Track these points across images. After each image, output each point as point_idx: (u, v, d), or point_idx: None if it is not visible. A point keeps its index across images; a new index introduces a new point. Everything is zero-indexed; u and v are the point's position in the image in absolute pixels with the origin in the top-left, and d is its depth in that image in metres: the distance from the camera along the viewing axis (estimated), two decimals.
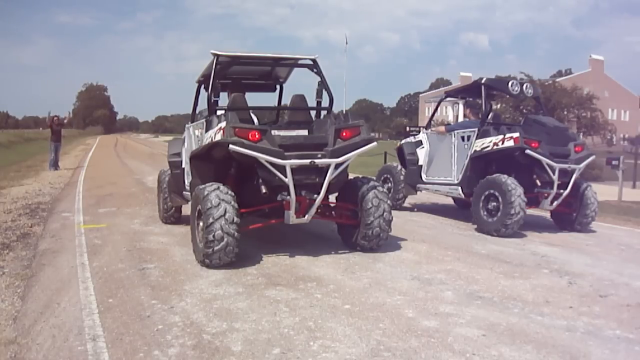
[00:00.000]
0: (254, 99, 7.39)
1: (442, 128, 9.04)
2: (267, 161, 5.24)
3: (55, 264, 5.61)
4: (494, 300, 4.45)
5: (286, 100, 7.01)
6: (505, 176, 7.28)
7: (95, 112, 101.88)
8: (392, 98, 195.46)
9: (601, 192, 13.50)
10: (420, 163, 9.17)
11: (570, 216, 7.83)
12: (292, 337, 3.58)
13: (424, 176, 9.14)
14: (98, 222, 7.89)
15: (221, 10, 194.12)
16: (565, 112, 19.34)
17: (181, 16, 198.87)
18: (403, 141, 10.23)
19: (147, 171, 17.16)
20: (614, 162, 12.41)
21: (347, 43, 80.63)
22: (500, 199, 7.15)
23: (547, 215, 8.39)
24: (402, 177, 9.44)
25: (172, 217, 7.62)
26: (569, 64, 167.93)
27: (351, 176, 6.40)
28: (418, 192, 9.38)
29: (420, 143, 9.41)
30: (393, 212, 6.20)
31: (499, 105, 21.28)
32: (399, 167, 9.71)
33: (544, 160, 7.25)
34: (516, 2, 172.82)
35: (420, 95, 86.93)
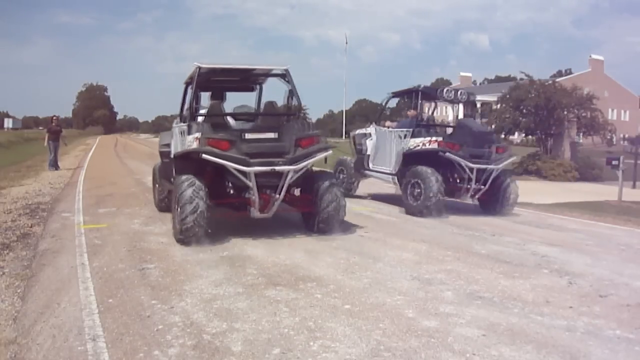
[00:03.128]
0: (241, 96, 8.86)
1: (388, 123, 10.55)
2: (233, 168, 6.23)
3: (55, 264, 5.61)
4: (494, 300, 4.45)
5: (278, 97, 7.80)
6: (426, 167, 8.68)
7: (95, 112, 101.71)
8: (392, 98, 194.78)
9: (601, 192, 13.55)
10: (368, 153, 10.54)
11: (494, 204, 9.20)
12: (292, 337, 3.58)
13: (370, 164, 10.48)
14: (98, 222, 7.88)
15: (222, 10, 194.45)
16: (565, 112, 19.24)
17: (181, 16, 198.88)
18: (356, 132, 11.71)
19: (147, 171, 17.14)
20: (614, 162, 12.40)
21: (347, 43, 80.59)
22: (422, 186, 8.60)
23: (547, 215, 8.40)
24: (352, 166, 10.93)
25: (164, 203, 8.17)
26: (569, 64, 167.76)
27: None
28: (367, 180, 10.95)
29: (369, 135, 10.73)
30: (349, 199, 7.51)
31: (499, 106, 21.22)
32: (349, 160, 11.28)
33: (461, 161, 8.70)
34: (516, 2, 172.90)
35: None
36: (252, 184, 6.30)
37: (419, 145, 9.11)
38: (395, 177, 9.56)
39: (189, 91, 7.34)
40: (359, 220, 8.23)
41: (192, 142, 6.44)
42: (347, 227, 7.42)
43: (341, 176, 11.07)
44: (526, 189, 14.46)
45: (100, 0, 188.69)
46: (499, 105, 21.41)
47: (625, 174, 12.45)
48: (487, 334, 3.67)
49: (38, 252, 6.13)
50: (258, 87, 8.62)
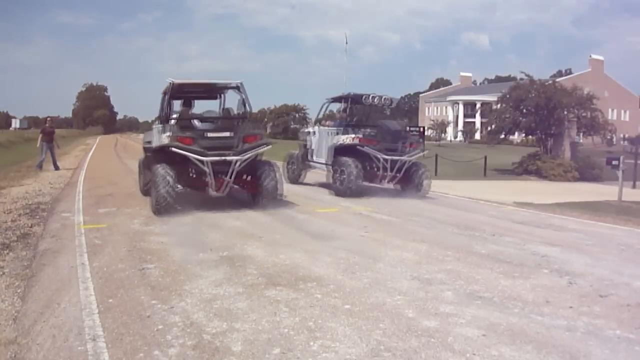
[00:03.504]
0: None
1: (328, 123, 13.05)
2: (194, 158, 8.31)
3: (55, 264, 5.60)
4: (494, 300, 4.45)
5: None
6: (348, 158, 10.99)
7: (95, 112, 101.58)
8: None
9: (601, 192, 13.56)
10: (311, 147, 12.92)
11: (411, 189, 11.46)
12: (292, 337, 3.58)
13: (313, 157, 12.88)
14: (98, 222, 7.88)
15: (222, 10, 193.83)
16: (566, 112, 19.24)
17: (182, 16, 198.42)
18: (302, 130, 14.78)
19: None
20: (614, 162, 12.41)
21: (347, 43, 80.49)
22: (345, 172, 10.85)
23: (547, 215, 8.39)
24: (300, 159, 13.43)
25: (147, 188, 9.77)
26: (569, 64, 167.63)
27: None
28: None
29: (312, 133, 13.07)
30: (298, 186, 11.50)
31: (499, 106, 21.23)
32: (297, 153, 13.66)
33: (377, 154, 11.00)
34: (516, 2, 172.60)
35: (420, 95, 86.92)
36: (208, 170, 8.40)
37: (345, 141, 11.39)
38: (330, 167, 11.69)
39: (165, 100, 9.39)
40: (359, 220, 8.24)
41: (165, 139, 8.50)
42: (341, 223, 7.41)
43: (292, 167, 13.67)
44: (526, 189, 14.51)
45: (100, 0, 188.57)
46: (499, 105, 21.41)
47: (625, 174, 12.46)
48: (487, 334, 3.67)
49: (38, 252, 6.13)
50: (220, 96, 10.54)
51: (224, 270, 5.24)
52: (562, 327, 3.84)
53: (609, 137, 24.90)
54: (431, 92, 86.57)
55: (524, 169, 19.33)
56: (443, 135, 53.84)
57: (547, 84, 20.25)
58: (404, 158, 11.14)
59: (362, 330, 3.71)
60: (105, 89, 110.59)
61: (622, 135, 44.20)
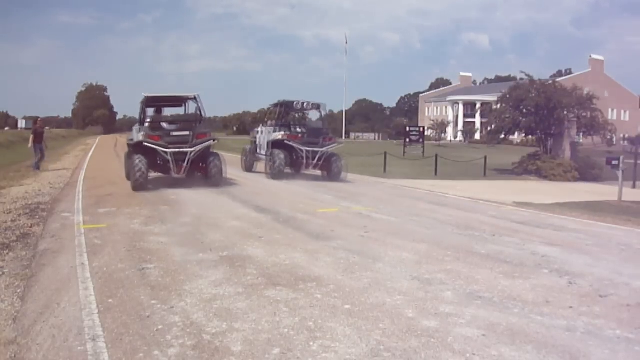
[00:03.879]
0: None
1: (269, 123, 16.29)
2: (160, 150, 11.63)
3: (55, 264, 5.61)
4: (494, 300, 4.45)
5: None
6: (276, 150, 14.54)
7: (95, 112, 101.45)
8: (392, 98, 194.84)
9: (601, 192, 13.56)
10: (258, 143, 16.56)
11: (330, 175, 14.82)
12: (292, 337, 3.58)
13: (259, 150, 16.46)
14: (98, 222, 7.88)
15: (222, 10, 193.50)
16: (565, 112, 19.21)
17: (181, 16, 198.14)
18: (253, 129, 18.52)
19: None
20: (614, 162, 12.41)
21: (347, 43, 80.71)
22: (275, 161, 14.35)
23: (547, 215, 8.38)
24: (251, 152, 17.32)
25: (127, 173, 12.70)
26: (569, 64, 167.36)
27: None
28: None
29: (260, 131, 16.66)
30: (250, 175, 15.46)
31: (499, 106, 21.21)
32: (249, 147, 17.55)
33: (297, 146, 14.42)
34: (517, 2, 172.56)
35: (420, 95, 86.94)
36: (170, 158, 11.74)
37: (277, 137, 14.85)
38: (268, 158, 15.07)
39: (141, 108, 12.73)
40: (358, 221, 8.24)
41: (140, 136, 11.90)
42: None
43: (245, 158, 17.54)
44: (526, 189, 14.51)
45: (100, 0, 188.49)
46: (499, 105, 21.39)
47: (625, 174, 12.46)
48: (487, 334, 3.67)
49: (38, 252, 6.13)
50: (184, 104, 14.07)
51: (223, 270, 5.24)
52: (562, 327, 3.84)
53: (609, 137, 24.86)
54: (431, 92, 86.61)
55: (524, 169, 19.31)
56: (443, 135, 53.88)
57: (547, 84, 20.22)
58: (321, 149, 14.59)
59: (362, 330, 3.71)
60: (105, 89, 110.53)
61: (622, 135, 44.21)
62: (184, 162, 11.82)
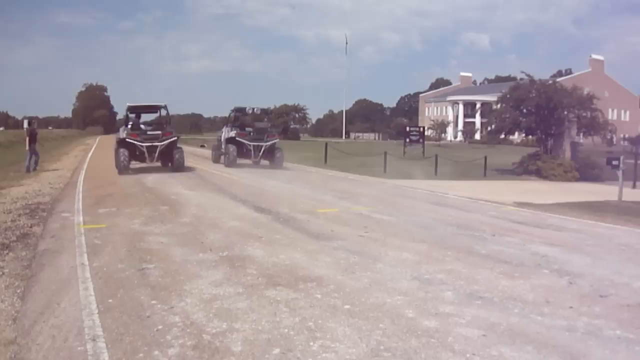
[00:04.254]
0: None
1: (229, 124, 20.27)
2: (137, 144, 16.02)
3: (55, 264, 5.60)
4: (494, 300, 4.44)
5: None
6: (230, 145, 18.64)
7: (95, 112, 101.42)
8: (392, 98, 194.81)
9: (601, 192, 13.55)
10: (221, 140, 20.30)
11: (272, 163, 18.94)
12: (292, 338, 3.58)
13: (222, 147, 20.02)
14: (98, 222, 7.88)
15: (222, 10, 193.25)
16: (566, 112, 19.20)
17: (181, 16, 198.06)
18: (218, 130, 23.52)
19: (147, 171, 17.15)
20: (614, 162, 12.40)
21: (347, 43, 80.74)
22: (228, 153, 18.59)
23: (547, 215, 8.39)
24: (216, 148, 21.38)
25: (115, 161, 16.48)
26: (570, 64, 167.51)
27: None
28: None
29: (223, 131, 20.40)
30: (214, 165, 19.60)
31: (499, 106, 21.21)
32: (216, 144, 21.76)
33: (245, 142, 18.52)
34: (517, 2, 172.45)
35: (421, 95, 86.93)
36: (145, 150, 16.03)
37: (230, 135, 19.01)
38: (224, 151, 19.50)
39: (126, 114, 17.62)
40: (358, 220, 8.24)
41: (124, 135, 16.14)
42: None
43: (213, 153, 21.70)
44: (526, 189, 14.50)
45: (100, 0, 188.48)
46: (499, 105, 21.39)
47: (625, 174, 12.46)
48: (487, 334, 3.67)
49: (38, 252, 6.13)
50: (157, 111, 18.74)
51: (223, 270, 5.24)
52: (562, 327, 3.83)
53: (609, 137, 24.87)
54: (431, 92, 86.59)
55: (524, 169, 19.31)
56: (443, 135, 53.83)
57: (547, 84, 20.21)
58: (264, 144, 18.77)
59: (362, 331, 3.71)
60: (105, 89, 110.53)
61: (622, 135, 44.18)
62: (155, 153, 16.38)
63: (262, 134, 19.00)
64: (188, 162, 18.07)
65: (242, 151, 18.71)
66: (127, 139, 16.06)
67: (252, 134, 18.90)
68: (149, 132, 16.63)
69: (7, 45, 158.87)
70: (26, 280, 5.08)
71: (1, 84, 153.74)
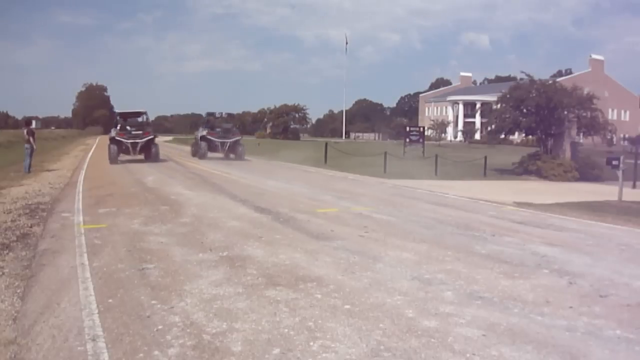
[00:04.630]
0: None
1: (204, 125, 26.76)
2: (124, 141, 21.45)
3: (55, 264, 5.60)
4: (494, 300, 4.44)
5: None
6: (202, 142, 24.43)
7: (95, 112, 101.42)
8: (392, 98, 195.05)
9: (601, 192, 13.56)
10: (197, 139, 25.30)
11: (235, 156, 24.09)
12: (292, 338, 3.58)
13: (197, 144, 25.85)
14: (98, 222, 7.88)
15: (222, 10, 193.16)
16: (566, 112, 19.19)
17: (181, 16, 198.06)
18: (196, 130, 28.81)
19: (146, 171, 17.17)
20: (614, 162, 12.40)
21: (347, 43, 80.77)
22: (200, 148, 24.36)
23: (547, 215, 8.39)
24: (194, 145, 26.31)
25: (108, 154, 21.08)
26: (569, 64, 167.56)
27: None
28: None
29: (198, 131, 26.19)
30: (192, 159, 24.40)
31: (499, 105, 21.20)
32: (194, 142, 26.79)
33: (213, 139, 24.12)
34: (517, 2, 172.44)
35: (420, 95, 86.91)
36: (130, 146, 21.27)
37: (202, 134, 24.38)
38: (197, 147, 24.75)
39: (115, 118, 24.43)
40: (358, 220, 8.24)
41: (114, 134, 21.79)
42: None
43: (192, 149, 26.32)
44: (526, 189, 14.50)
45: (100, 0, 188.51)
46: (499, 105, 21.38)
47: (625, 174, 12.46)
48: (487, 334, 3.67)
49: (38, 252, 6.13)
50: (141, 115, 23.74)
51: (223, 270, 5.24)
52: (562, 327, 3.83)
53: (609, 137, 24.86)
54: (431, 92, 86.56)
55: (524, 169, 19.30)
56: (443, 135, 53.81)
57: (547, 84, 20.20)
58: (228, 140, 23.85)
59: (362, 331, 3.71)
60: (105, 89, 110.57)
61: (622, 135, 44.18)
62: (137, 147, 21.40)
63: (228, 133, 24.50)
64: (175, 157, 25.01)
65: (212, 146, 24.13)
66: (116, 137, 21.37)
67: (219, 132, 24.30)
68: (132, 132, 21.56)
69: (7, 46, 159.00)
70: (26, 280, 5.07)
71: (1, 84, 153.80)
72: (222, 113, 27.12)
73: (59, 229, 7.52)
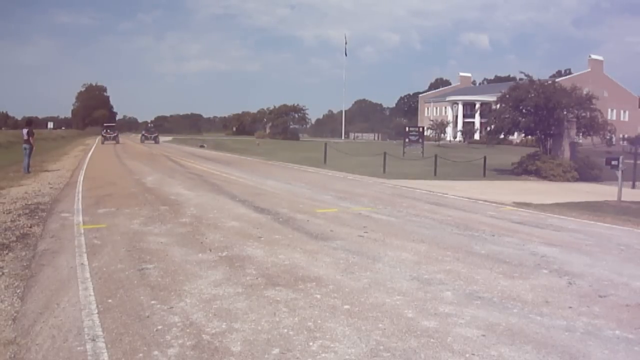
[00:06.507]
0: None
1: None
2: (106, 136, 51.81)
3: (54, 265, 5.60)
4: (493, 300, 4.45)
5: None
6: (142, 136, 57.22)
7: (95, 112, 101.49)
8: (391, 98, 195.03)
9: (601, 192, 13.57)
10: (143, 135, 58.60)
11: (155, 142, 53.92)
12: (291, 338, 3.58)
13: (141, 136, 58.63)
14: (97, 222, 7.88)
15: (222, 10, 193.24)
16: (565, 112, 19.19)
17: (181, 16, 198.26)
18: (143, 129, 66.98)
19: (146, 171, 17.17)
20: (613, 162, 12.40)
21: (346, 43, 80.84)
22: (142, 138, 56.71)
23: (546, 215, 8.38)
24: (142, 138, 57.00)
25: (105, 142, 49.07)
26: (569, 64, 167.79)
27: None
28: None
29: (143, 131, 62.93)
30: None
31: (498, 106, 21.20)
32: (141, 135, 61.91)
33: (147, 135, 55.99)
34: (517, 2, 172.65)
35: (420, 95, 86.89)
36: (109, 137, 50.99)
37: (142, 133, 59.19)
38: (142, 138, 56.33)
39: (103, 125, 57.12)
40: (358, 221, 8.24)
41: (103, 133, 53.28)
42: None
43: (141, 139, 55.90)
44: (526, 189, 14.51)
45: (100, 0, 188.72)
46: (498, 106, 21.37)
47: (624, 174, 12.45)
48: (486, 334, 3.67)
49: (37, 253, 6.13)
50: (114, 124, 64.91)
51: (223, 270, 5.24)
52: (561, 327, 3.84)
53: (608, 137, 24.88)
54: (431, 92, 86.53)
55: (524, 169, 19.30)
56: (442, 135, 53.80)
57: (546, 84, 20.20)
58: (152, 135, 53.20)
59: (361, 331, 3.71)
60: (105, 89, 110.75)
61: (621, 136, 44.21)
62: (111, 138, 48.10)
63: (153, 132, 53.79)
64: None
65: (145, 138, 52.05)
66: (103, 134, 49.55)
67: (149, 131, 54.42)
68: (109, 132, 49.71)
69: (7, 45, 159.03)
70: (26, 281, 5.07)
71: (1, 84, 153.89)
72: (152, 122, 55.97)
73: (58, 229, 7.51)
